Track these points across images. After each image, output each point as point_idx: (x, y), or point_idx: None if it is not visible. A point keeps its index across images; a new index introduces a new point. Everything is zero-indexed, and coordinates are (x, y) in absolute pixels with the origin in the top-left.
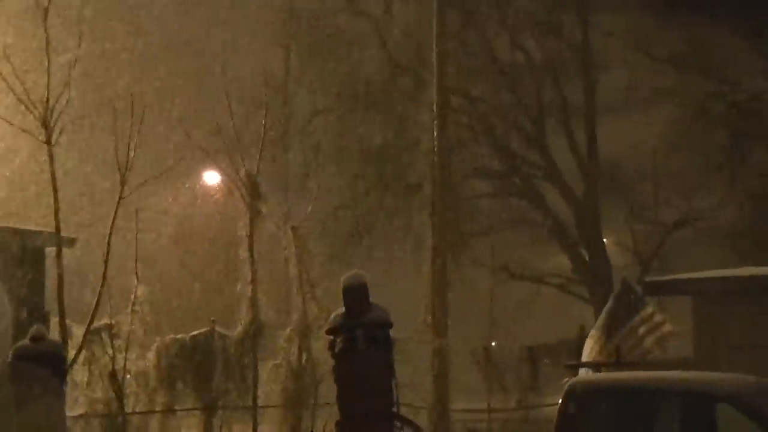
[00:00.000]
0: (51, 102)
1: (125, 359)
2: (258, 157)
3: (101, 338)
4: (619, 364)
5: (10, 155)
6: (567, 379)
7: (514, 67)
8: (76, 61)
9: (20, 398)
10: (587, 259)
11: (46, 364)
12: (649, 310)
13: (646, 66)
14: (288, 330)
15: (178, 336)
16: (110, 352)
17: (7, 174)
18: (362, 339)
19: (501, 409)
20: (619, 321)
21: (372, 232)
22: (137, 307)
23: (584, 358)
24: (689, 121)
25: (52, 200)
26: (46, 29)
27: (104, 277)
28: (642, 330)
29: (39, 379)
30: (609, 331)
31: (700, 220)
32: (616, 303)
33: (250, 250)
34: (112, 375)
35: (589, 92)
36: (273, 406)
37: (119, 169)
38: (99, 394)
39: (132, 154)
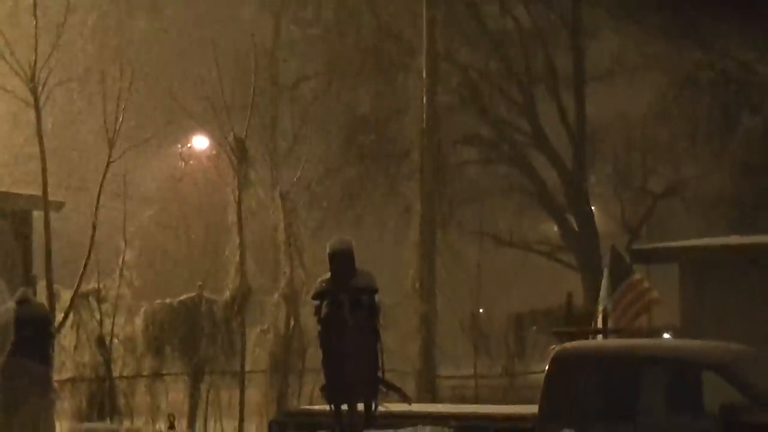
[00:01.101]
0: (38, 65)
1: (113, 324)
2: (246, 121)
3: (89, 303)
4: (605, 331)
5: None
6: (553, 346)
7: (504, 34)
8: (64, 23)
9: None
10: (575, 227)
11: (32, 327)
12: (637, 276)
13: (634, 34)
14: (276, 296)
15: (166, 301)
16: (98, 316)
17: None
18: (347, 304)
19: (487, 375)
20: (613, 289)
21: (360, 199)
22: (125, 272)
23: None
24: (677, 90)
25: (39, 164)
26: None
27: (92, 241)
28: (630, 297)
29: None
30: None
31: (688, 189)
32: (610, 270)
33: (238, 215)
34: (100, 339)
35: (578, 60)
36: (260, 372)
37: (107, 132)
38: (87, 359)
39: (120, 117)
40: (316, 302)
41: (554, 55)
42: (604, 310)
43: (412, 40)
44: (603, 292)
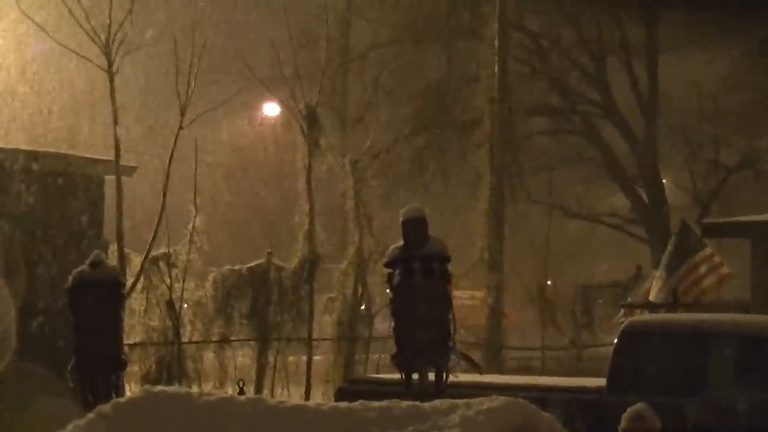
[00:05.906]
0: (112, 29)
1: (182, 288)
2: (317, 89)
3: (159, 267)
4: (675, 305)
5: (71, 83)
6: (622, 318)
7: (575, 3)
8: None
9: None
10: (645, 199)
11: (104, 289)
12: (708, 250)
13: (707, 3)
14: (344, 263)
15: (235, 267)
16: (168, 281)
17: (69, 102)
18: (420, 271)
19: (555, 347)
20: (679, 261)
21: (429, 168)
22: (195, 237)
23: (651, 298)
24: (751, 60)
25: (112, 129)
26: None
27: (163, 207)
28: (701, 270)
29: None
30: (669, 272)
31: (761, 162)
32: (677, 243)
33: (308, 182)
34: (169, 304)
35: (651, 29)
36: (327, 339)
37: (179, 98)
38: (156, 323)
39: (192, 83)
40: (389, 270)
41: (626, 24)
42: (675, 288)
43: (484, 8)
44: (663, 260)
